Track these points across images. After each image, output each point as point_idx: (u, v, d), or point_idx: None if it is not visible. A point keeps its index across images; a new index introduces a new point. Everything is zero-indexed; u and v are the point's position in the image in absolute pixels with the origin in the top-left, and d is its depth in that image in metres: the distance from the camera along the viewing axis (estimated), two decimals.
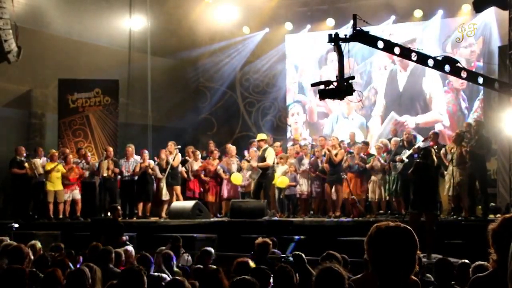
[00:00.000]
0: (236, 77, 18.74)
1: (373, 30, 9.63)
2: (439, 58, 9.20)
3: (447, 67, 9.15)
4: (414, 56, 9.09)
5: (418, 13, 15.77)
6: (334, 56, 16.24)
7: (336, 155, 12.49)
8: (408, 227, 2.39)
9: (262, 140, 13.39)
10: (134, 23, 17.52)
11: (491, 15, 14.35)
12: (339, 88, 8.29)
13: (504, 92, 10.05)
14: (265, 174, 12.88)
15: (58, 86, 15.43)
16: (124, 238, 9.75)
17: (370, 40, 9.01)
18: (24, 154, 13.54)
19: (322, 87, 8.64)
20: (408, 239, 2.35)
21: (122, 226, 10.22)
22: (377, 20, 15.67)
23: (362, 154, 12.58)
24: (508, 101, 10.42)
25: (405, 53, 9.18)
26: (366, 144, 13.23)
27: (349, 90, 8.35)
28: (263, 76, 18.41)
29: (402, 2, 15.86)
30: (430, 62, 9.09)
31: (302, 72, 17.50)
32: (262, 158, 12.94)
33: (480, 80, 9.81)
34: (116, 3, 17.11)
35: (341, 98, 8.63)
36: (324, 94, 8.51)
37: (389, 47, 9.08)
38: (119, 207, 11.20)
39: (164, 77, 17.88)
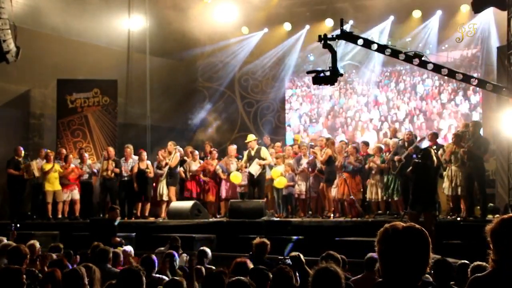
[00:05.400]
0: (235, 77, 18.75)
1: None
2: (410, 53, 10.22)
3: (415, 61, 10.14)
4: (387, 52, 10.37)
5: (416, 13, 15.79)
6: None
7: (323, 155, 12.47)
8: (422, 228, 2.38)
9: (252, 140, 13.20)
10: (133, 23, 17.53)
11: (490, 15, 14.35)
12: (331, 76, 9.73)
13: (480, 86, 10.69)
14: (263, 172, 12.87)
15: (57, 86, 15.43)
16: (118, 239, 9.71)
17: (352, 39, 10.43)
18: (22, 155, 13.51)
19: (314, 74, 10.06)
20: (422, 240, 2.34)
21: (115, 227, 10.17)
22: (376, 20, 15.70)
23: (358, 154, 12.55)
24: (507, 102, 10.43)
25: (381, 49, 10.44)
26: (366, 144, 13.21)
27: (336, 78, 9.84)
28: (262, 76, 18.42)
29: (401, 3, 15.87)
30: (401, 56, 10.17)
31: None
32: (260, 158, 12.84)
33: (444, 71, 10.45)
34: (115, 4, 17.11)
35: (332, 84, 10.11)
36: (317, 80, 9.91)
37: (367, 44, 10.35)
38: (117, 208, 11.16)
39: (163, 77, 17.88)
